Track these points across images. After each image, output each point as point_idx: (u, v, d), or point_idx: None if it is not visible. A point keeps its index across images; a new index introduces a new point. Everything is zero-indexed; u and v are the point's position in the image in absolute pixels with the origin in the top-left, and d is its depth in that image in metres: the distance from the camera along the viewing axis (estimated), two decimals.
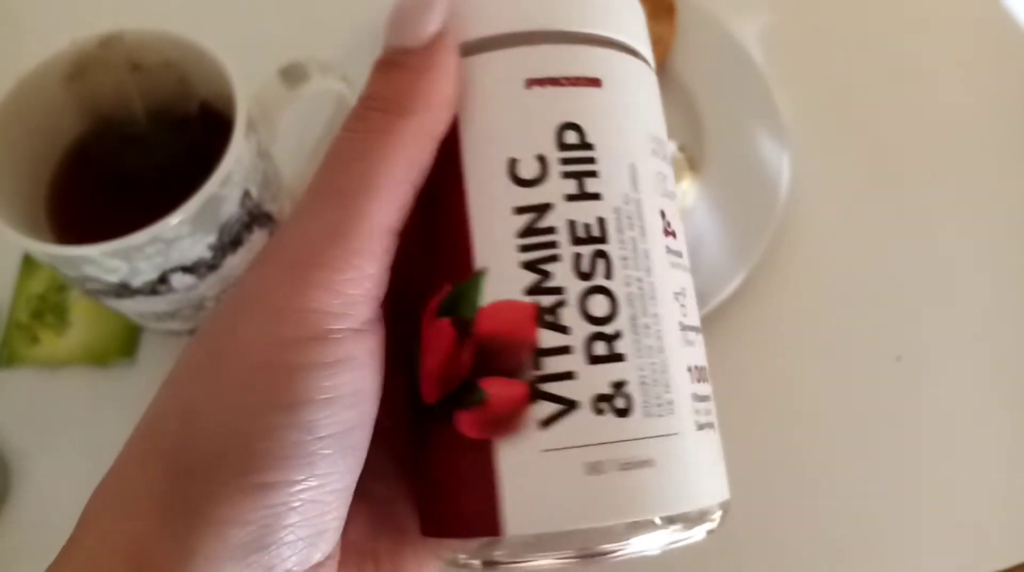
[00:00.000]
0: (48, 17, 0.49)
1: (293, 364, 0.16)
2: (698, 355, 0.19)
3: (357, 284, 0.17)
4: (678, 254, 0.19)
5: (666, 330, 0.18)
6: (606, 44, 0.19)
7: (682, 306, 0.19)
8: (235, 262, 0.33)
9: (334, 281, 0.17)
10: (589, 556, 0.17)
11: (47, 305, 0.40)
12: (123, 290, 0.31)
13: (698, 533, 0.18)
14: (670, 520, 0.17)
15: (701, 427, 0.18)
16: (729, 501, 0.19)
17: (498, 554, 0.18)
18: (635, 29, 0.20)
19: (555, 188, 0.18)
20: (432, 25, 0.18)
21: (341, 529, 0.18)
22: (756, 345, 0.39)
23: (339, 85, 0.35)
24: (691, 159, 0.42)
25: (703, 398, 0.19)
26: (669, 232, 0.19)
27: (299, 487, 0.16)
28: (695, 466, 0.18)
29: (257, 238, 0.34)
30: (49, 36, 0.34)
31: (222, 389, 0.17)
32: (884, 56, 0.48)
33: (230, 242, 0.32)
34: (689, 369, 0.18)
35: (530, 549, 0.17)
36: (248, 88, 0.32)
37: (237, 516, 0.16)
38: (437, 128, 0.18)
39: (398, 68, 0.18)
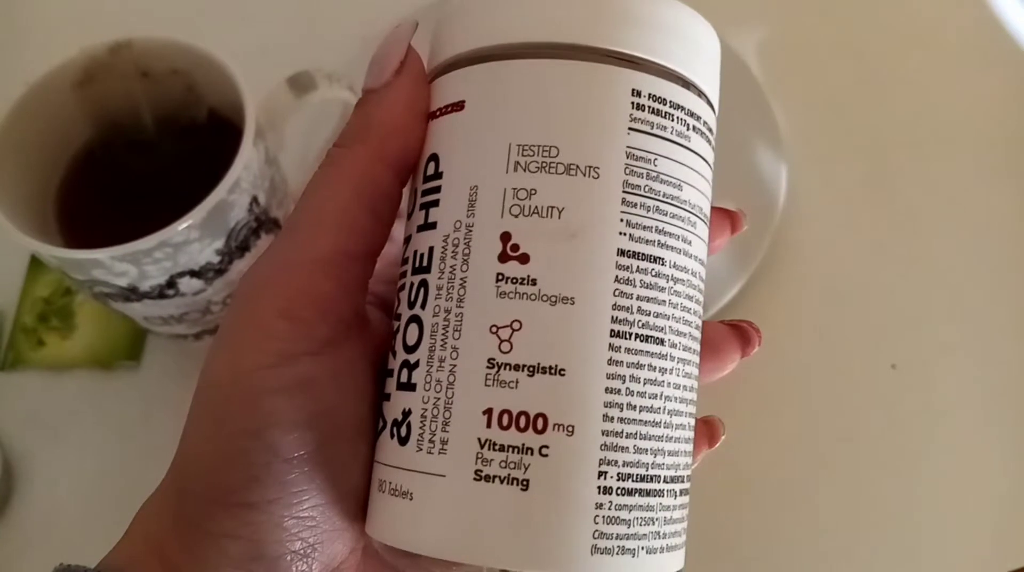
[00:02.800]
0: (57, 25, 0.49)
1: (254, 390, 0.18)
2: (520, 399, 0.16)
3: (308, 309, 0.18)
4: (523, 281, 0.17)
5: (463, 366, 0.17)
6: (470, 61, 0.18)
7: (504, 341, 0.17)
8: (242, 267, 0.33)
9: (283, 308, 0.18)
10: None
11: (52, 309, 0.41)
12: (131, 294, 0.32)
13: None
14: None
15: (485, 478, 0.16)
16: None
17: (386, 556, 0.19)
18: (521, 23, 0.18)
19: (415, 220, 0.19)
20: (391, 64, 0.19)
21: (348, 542, 0.19)
22: (753, 354, 0.40)
23: (346, 94, 0.35)
24: None
25: (507, 448, 0.16)
26: (512, 257, 0.17)
27: (278, 505, 0.18)
28: (458, 513, 0.16)
29: (264, 243, 0.34)
30: (59, 43, 0.34)
31: (203, 417, 0.19)
32: (880, 68, 0.48)
33: (237, 247, 0.32)
34: (489, 412, 0.16)
35: (385, 553, 0.18)
36: (256, 96, 0.32)
37: (228, 531, 0.18)
38: (389, 152, 0.19)
39: (360, 106, 0.20)
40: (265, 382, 0.18)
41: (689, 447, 0.18)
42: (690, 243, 0.18)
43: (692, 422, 0.19)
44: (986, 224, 0.44)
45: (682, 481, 0.18)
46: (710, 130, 0.19)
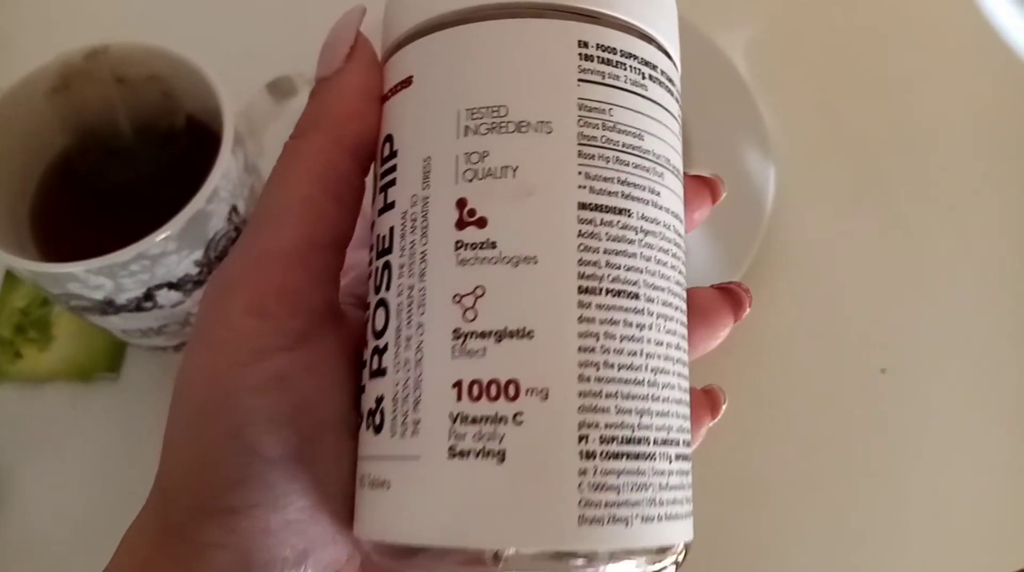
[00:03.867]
0: (32, 30, 0.48)
1: (229, 389, 0.17)
2: (489, 367, 0.16)
3: (277, 302, 0.18)
4: (482, 246, 0.16)
5: (429, 341, 0.16)
6: (413, 36, 0.18)
7: (468, 309, 0.16)
8: None
9: (252, 304, 0.18)
10: None
11: (30, 320, 0.40)
12: (108, 307, 0.31)
13: None
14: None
15: (460, 454, 0.15)
16: (543, 547, 0.15)
17: (373, 555, 0.18)
18: None
19: (376, 205, 0.18)
20: (341, 50, 0.19)
21: (342, 546, 0.19)
22: (742, 356, 0.40)
23: None
24: None
25: (479, 420, 0.15)
26: (469, 222, 0.16)
27: (262, 508, 0.17)
28: (436, 495, 0.15)
29: None
30: (34, 49, 0.33)
31: (182, 422, 0.18)
32: (868, 68, 0.48)
33: (217, 257, 0.32)
34: (458, 384, 0.16)
35: (378, 554, 0.17)
36: (235, 102, 0.32)
37: (214, 540, 0.17)
38: (347, 138, 0.19)
39: (314, 95, 0.19)
40: (240, 380, 0.17)
41: (682, 409, 0.17)
42: (659, 194, 0.17)
43: (684, 384, 0.18)
44: (977, 226, 0.44)
45: (677, 445, 0.17)
46: (671, 80, 0.19)
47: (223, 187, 0.30)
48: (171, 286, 0.31)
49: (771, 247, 0.41)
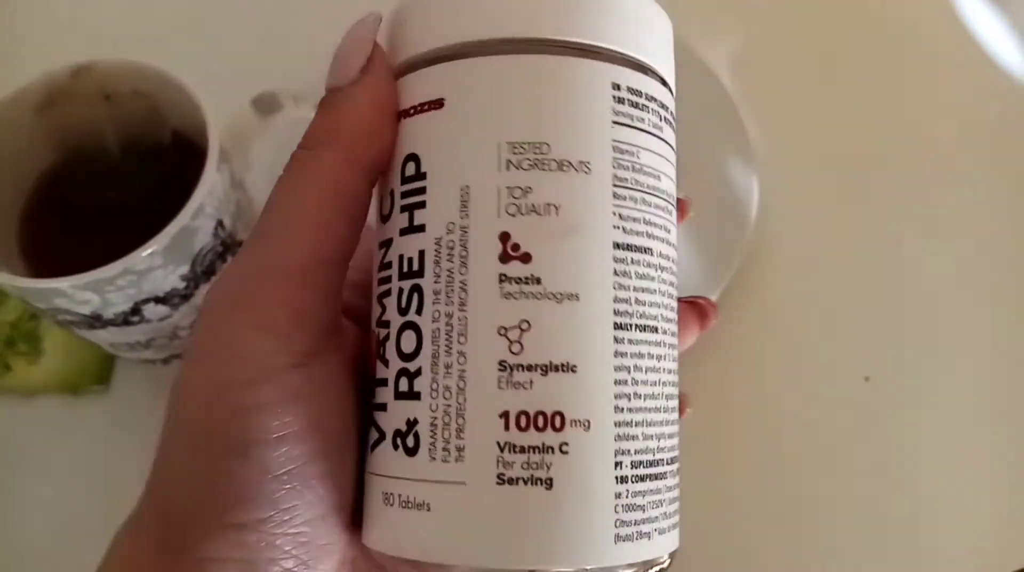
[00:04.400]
0: (18, 48, 0.49)
1: (236, 407, 0.17)
2: (536, 399, 0.16)
3: (286, 320, 0.18)
4: (527, 281, 0.17)
5: (473, 370, 0.17)
6: (448, 57, 0.18)
7: (514, 342, 0.17)
8: None
9: (260, 321, 0.17)
10: None
11: (19, 333, 0.40)
12: (95, 321, 0.31)
13: None
14: None
15: (509, 481, 0.16)
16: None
17: (393, 567, 0.18)
18: (498, 17, 0.18)
19: (395, 223, 0.18)
20: (357, 61, 0.18)
21: (337, 555, 0.19)
22: (726, 366, 0.40)
23: (312, 115, 0.35)
24: None
25: (527, 449, 0.16)
26: (514, 256, 0.17)
27: (270, 524, 0.17)
28: (483, 519, 0.16)
29: None
30: (20, 67, 0.34)
31: (183, 438, 0.18)
32: (851, 79, 0.48)
33: (203, 272, 0.32)
34: (505, 415, 0.16)
35: (392, 565, 0.18)
36: (221, 118, 0.32)
37: (217, 555, 0.17)
38: (362, 156, 0.18)
39: (325, 106, 0.19)
40: (247, 399, 0.17)
41: (677, 428, 0.19)
42: (669, 231, 0.19)
43: (676, 403, 0.19)
44: (960, 233, 0.44)
45: (676, 462, 0.19)
46: (674, 118, 0.20)
47: (208, 203, 0.31)
48: (158, 300, 0.31)
49: (755, 257, 0.42)
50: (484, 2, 0.18)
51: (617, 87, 0.18)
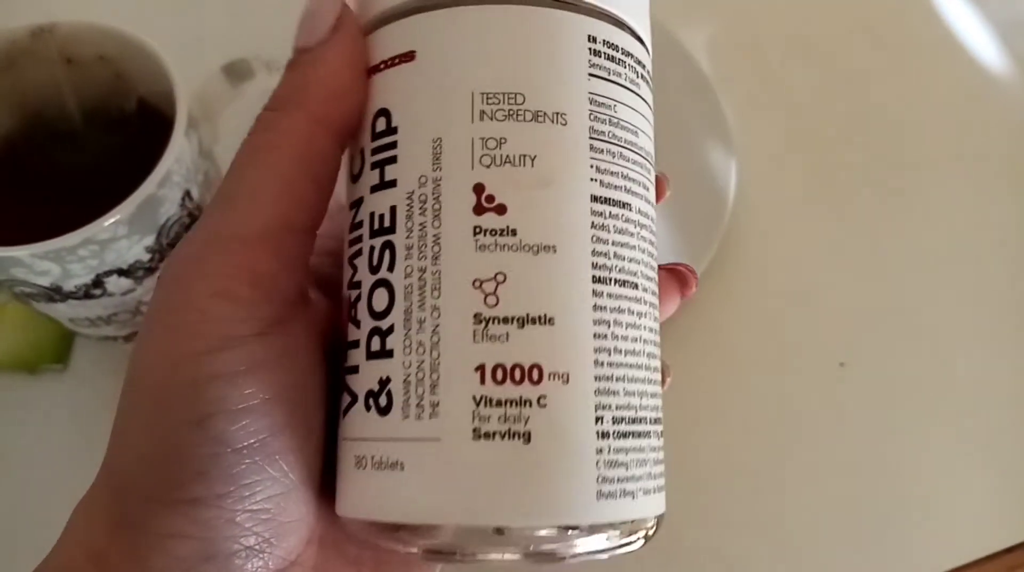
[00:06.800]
0: None
1: (195, 378, 0.16)
2: (513, 352, 0.16)
3: (248, 287, 0.17)
4: (502, 233, 0.16)
5: (447, 324, 0.16)
6: (419, 8, 0.17)
7: (489, 294, 0.16)
8: None
9: (223, 287, 0.17)
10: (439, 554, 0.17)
11: None
12: (55, 294, 0.30)
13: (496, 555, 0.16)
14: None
15: (485, 435, 0.16)
16: (563, 526, 0.16)
17: (367, 536, 0.18)
18: None
19: (365, 181, 0.18)
20: (326, 20, 0.18)
21: (303, 532, 0.18)
22: (702, 350, 0.40)
23: None
24: None
25: (504, 403, 0.16)
26: (488, 208, 0.16)
27: (228, 499, 0.16)
28: (459, 476, 0.16)
29: None
30: None
31: (139, 410, 0.17)
32: (829, 65, 0.49)
33: (169, 244, 0.31)
34: (481, 368, 0.16)
35: (366, 533, 0.17)
36: (189, 85, 0.31)
37: (175, 530, 0.16)
38: (332, 116, 0.18)
39: (293, 67, 0.18)
40: (206, 368, 0.16)
41: (660, 389, 0.19)
42: (647, 189, 0.18)
43: (659, 365, 0.19)
44: (935, 221, 0.44)
45: (659, 423, 0.18)
46: (651, 77, 0.19)
47: (176, 171, 0.30)
48: (121, 273, 0.30)
49: (733, 241, 0.42)
50: None
51: (593, 39, 0.17)
